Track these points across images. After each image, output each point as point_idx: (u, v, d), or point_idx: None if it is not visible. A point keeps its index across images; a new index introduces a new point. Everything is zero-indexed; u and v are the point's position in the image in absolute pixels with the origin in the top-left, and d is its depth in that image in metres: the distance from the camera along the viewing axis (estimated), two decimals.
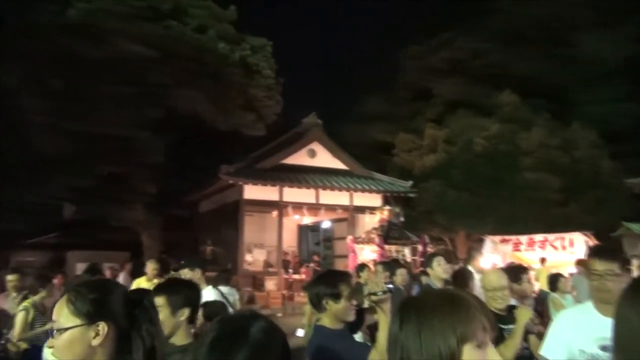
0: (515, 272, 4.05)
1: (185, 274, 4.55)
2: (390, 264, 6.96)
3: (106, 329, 1.36)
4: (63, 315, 1.37)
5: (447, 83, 23.88)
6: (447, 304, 0.98)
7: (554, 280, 6.06)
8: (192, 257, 5.18)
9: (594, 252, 2.39)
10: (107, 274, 9.45)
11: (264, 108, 19.91)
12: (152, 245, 18.24)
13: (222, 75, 18.87)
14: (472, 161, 19.26)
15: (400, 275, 6.52)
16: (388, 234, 12.34)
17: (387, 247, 12.03)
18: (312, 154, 17.26)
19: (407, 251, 12.40)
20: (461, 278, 4.78)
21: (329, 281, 2.66)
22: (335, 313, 2.60)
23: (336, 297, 2.59)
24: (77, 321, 1.36)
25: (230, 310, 7.89)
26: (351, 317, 2.68)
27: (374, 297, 2.52)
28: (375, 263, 8.63)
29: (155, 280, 5.80)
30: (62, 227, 20.17)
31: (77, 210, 19.49)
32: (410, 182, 17.74)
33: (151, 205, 19.03)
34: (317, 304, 2.64)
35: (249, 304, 12.66)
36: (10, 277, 6.02)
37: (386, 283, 2.57)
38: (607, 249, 2.42)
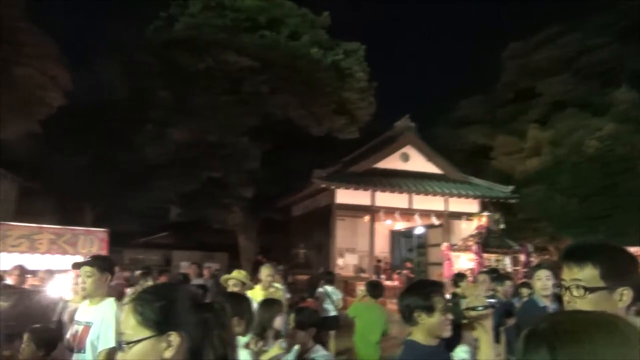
0: None
1: (90, 273, 3.22)
2: (501, 275, 6.50)
3: (178, 339, 1.24)
4: (130, 326, 1.27)
5: (553, 81, 22.29)
6: (618, 336, 0.77)
7: None
8: (103, 257, 3.53)
9: (562, 255, 1.53)
10: (205, 273, 9.80)
11: (357, 111, 19.86)
12: (248, 247, 18.90)
13: (315, 80, 19.10)
14: (582, 164, 17.68)
15: (508, 286, 6.03)
16: (486, 241, 11.63)
17: (485, 255, 11.34)
18: (405, 157, 16.89)
19: (507, 261, 11.60)
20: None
21: (421, 292, 2.44)
22: (428, 328, 2.38)
23: (429, 309, 2.37)
24: (147, 332, 1.25)
25: (331, 308, 8.26)
26: (447, 333, 2.44)
27: (472, 313, 2.27)
28: (477, 272, 8.13)
29: (272, 290, 5.26)
30: (169, 228, 21.62)
31: (181, 212, 20.76)
32: (510, 187, 16.67)
33: (248, 209, 19.75)
34: (408, 317, 2.43)
35: (339, 310, 12.54)
36: (137, 273, 6.55)
37: (488, 297, 2.30)
38: (581, 248, 1.49)
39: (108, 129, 18.78)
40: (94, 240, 10.80)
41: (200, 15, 19.57)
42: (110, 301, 3.21)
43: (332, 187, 15.09)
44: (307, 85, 19.04)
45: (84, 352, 3.06)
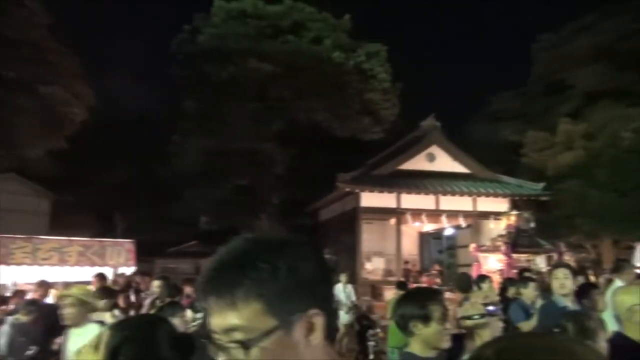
0: None
1: None
2: (512, 279, 6.26)
3: None
4: None
5: (586, 72, 21.49)
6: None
7: None
8: None
9: (200, 288, 0.85)
10: None
11: (381, 111, 19.81)
12: None
13: (339, 83, 19.10)
14: (619, 158, 16.92)
15: (532, 289, 5.71)
16: (516, 241, 11.25)
17: (515, 256, 10.96)
18: (431, 158, 16.58)
19: (539, 260, 11.18)
20: (582, 293, 4.23)
21: (416, 300, 2.30)
22: (425, 338, 2.23)
23: (425, 319, 2.22)
24: None
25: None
26: (445, 344, 2.28)
27: (468, 322, 2.12)
28: (507, 273, 7.94)
29: None
30: (198, 237, 21.87)
31: (209, 221, 21.00)
32: (542, 184, 16.12)
33: (276, 215, 19.83)
34: (403, 327, 2.29)
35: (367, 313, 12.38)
36: (155, 283, 6.55)
37: (486, 304, 2.14)
38: (224, 269, 0.83)
39: (139, 141, 19.21)
40: (121, 251, 11.02)
41: (223, 26, 19.87)
42: None
43: (357, 190, 14.95)
44: (330, 88, 19.06)
45: None
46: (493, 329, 2.15)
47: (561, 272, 3.98)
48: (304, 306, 0.81)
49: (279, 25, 20.21)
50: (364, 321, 9.46)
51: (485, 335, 2.09)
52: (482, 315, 2.06)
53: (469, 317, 2.08)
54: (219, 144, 19.03)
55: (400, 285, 8.37)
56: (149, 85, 19.84)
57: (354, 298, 10.48)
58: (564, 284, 3.89)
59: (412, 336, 2.26)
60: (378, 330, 8.73)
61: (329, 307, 0.85)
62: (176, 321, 3.02)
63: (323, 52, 19.33)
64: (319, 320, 0.81)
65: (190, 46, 19.90)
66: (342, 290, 10.06)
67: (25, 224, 14.79)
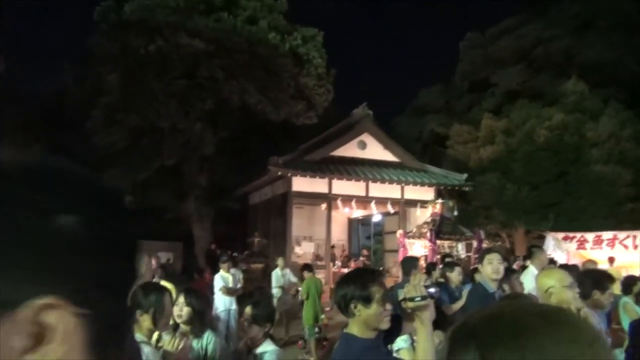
0: (599, 279, 3.33)
1: None
2: (451, 262, 6.53)
3: None
4: None
5: (508, 72, 22.78)
6: (567, 331, 0.61)
7: (630, 283, 5.38)
8: None
9: None
10: (153, 263, 9.44)
11: (315, 96, 19.75)
12: (202, 237, 18.49)
13: (273, 65, 18.78)
14: (533, 153, 18.14)
15: (457, 273, 5.98)
16: (440, 228, 11.73)
17: (439, 242, 11.44)
18: (363, 145, 16.84)
19: (460, 247, 11.77)
20: (502, 277, 4.25)
21: (357, 281, 2.27)
22: (365, 319, 2.22)
23: (366, 300, 2.20)
24: None
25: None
26: (385, 325, 2.28)
27: (410, 304, 2.12)
28: (431, 258, 8.23)
29: None
30: None
31: (133, 201, 20.06)
32: (464, 175, 16.93)
33: (203, 198, 19.31)
34: (344, 308, 2.26)
35: (296, 296, 12.44)
36: None
37: (427, 286, 2.15)
38: None
39: (55, 116, 17.91)
40: None
41: None
42: None
43: (289, 174, 14.86)
44: (265, 70, 18.70)
45: None
46: (428, 312, 2.17)
47: (495, 257, 4.02)
48: None
49: (212, 1, 19.48)
50: None
51: (425, 317, 2.10)
52: (424, 297, 2.07)
53: (411, 299, 2.08)
54: (144, 121, 18.14)
55: (307, 267, 9.09)
56: (69, 57, 18.40)
57: (294, 279, 10.38)
58: (498, 269, 3.95)
59: (352, 317, 2.24)
60: (323, 316, 8.75)
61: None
62: None
63: (258, 33, 18.88)
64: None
65: (115, 16, 18.70)
66: (281, 275, 10.00)
67: None
